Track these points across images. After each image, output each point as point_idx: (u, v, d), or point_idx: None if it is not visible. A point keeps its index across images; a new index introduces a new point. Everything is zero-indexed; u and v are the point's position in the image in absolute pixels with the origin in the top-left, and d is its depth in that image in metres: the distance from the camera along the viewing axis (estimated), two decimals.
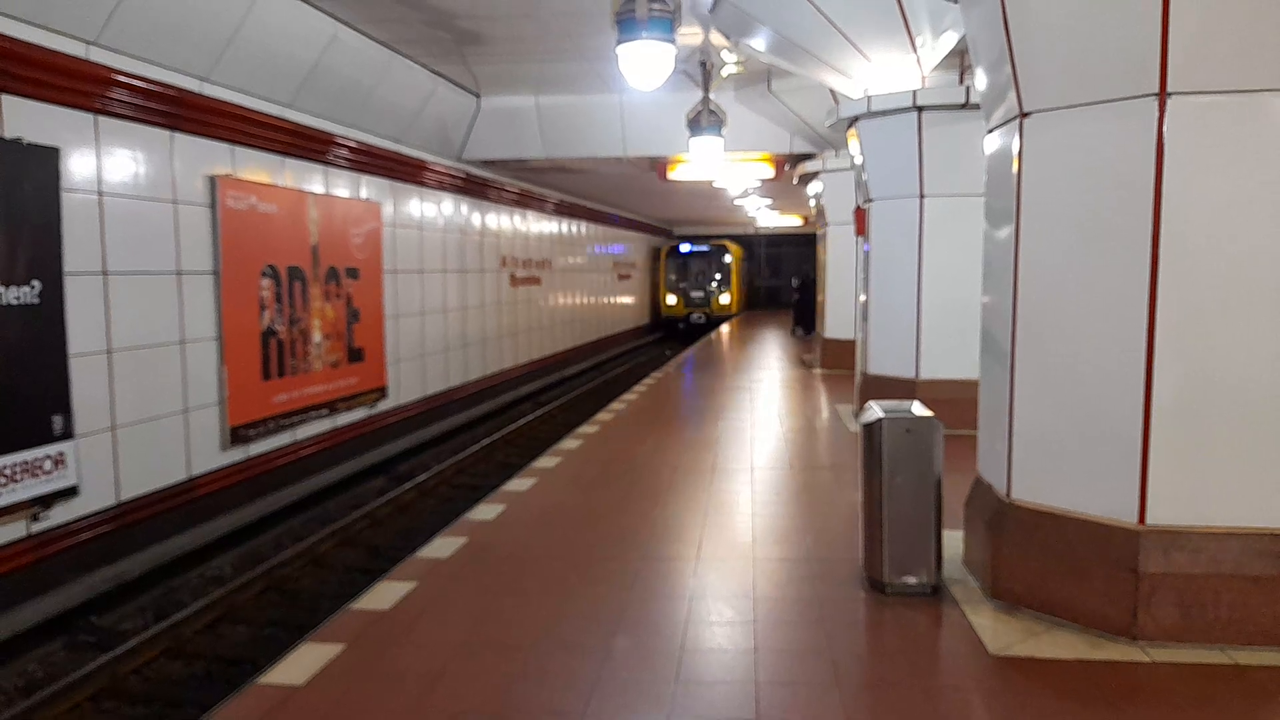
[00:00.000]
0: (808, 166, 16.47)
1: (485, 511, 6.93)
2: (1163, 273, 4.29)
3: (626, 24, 8.61)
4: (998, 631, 4.59)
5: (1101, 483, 4.55)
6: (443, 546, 6.06)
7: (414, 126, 13.83)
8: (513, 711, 3.86)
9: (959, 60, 10.52)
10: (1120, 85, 4.35)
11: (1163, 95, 4.23)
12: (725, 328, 29.38)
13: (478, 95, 15.14)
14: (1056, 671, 4.17)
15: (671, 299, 35.90)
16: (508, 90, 14.87)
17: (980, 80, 5.42)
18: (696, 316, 35.27)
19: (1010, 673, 4.18)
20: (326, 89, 11.21)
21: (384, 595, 5.17)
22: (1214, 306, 4.29)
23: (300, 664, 4.30)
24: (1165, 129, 4.24)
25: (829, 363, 16.37)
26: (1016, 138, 4.84)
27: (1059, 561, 4.65)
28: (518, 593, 5.26)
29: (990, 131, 5.40)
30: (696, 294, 35.64)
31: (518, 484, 7.83)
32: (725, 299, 35.87)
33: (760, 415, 11.50)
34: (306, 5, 9.99)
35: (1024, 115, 4.77)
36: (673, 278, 36.00)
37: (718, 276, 35.96)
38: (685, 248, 36.07)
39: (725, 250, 36.12)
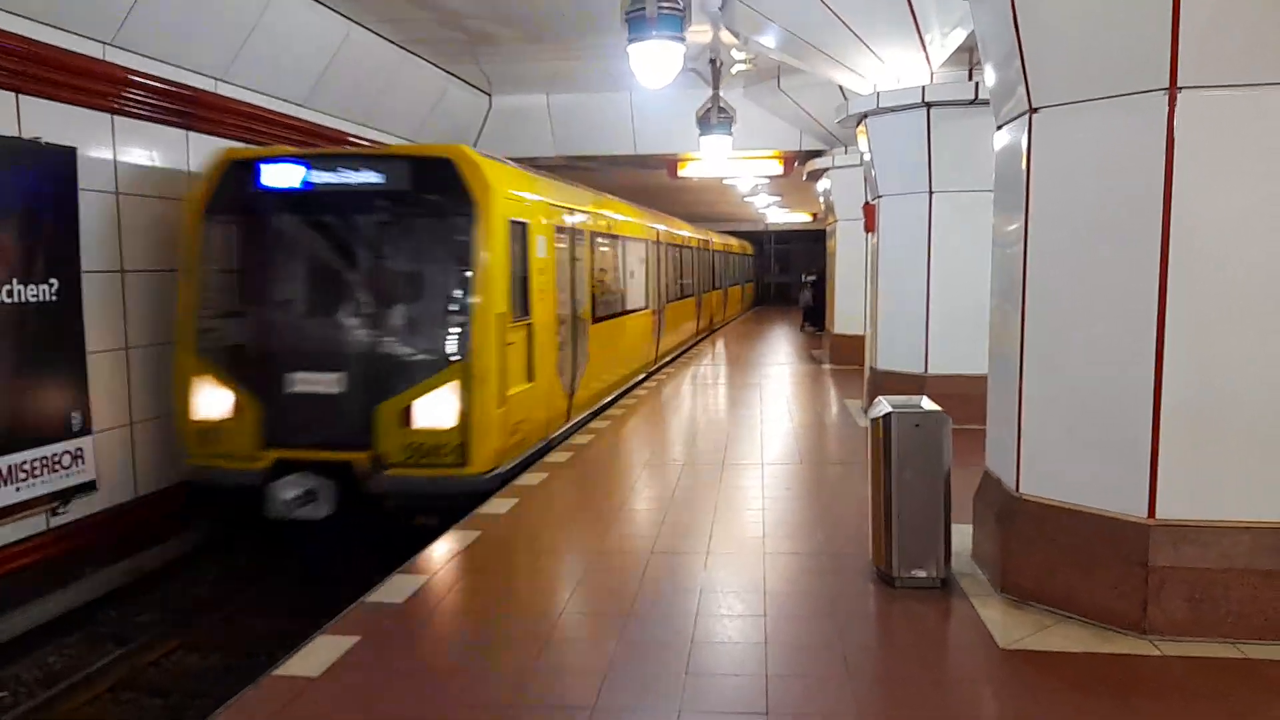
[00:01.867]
0: (817, 163, 16.49)
1: (498, 505, 6.98)
2: (1173, 267, 4.29)
3: (636, 22, 8.66)
4: (1007, 624, 4.61)
5: (1111, 477, 4.56)
6: (457, 539, 6.12)
7: (426, 125, 13.90)
8: (524, 704, 3.90)
9: (968, 56, 10.51)
10: (1130, 80, 4.35)
11: (1173, 89, 4.22)
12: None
13: (489, 94, 15.20)
14: (1066, 664, 4.19)
15: (209, 400, 7.61)
16: (519, 89, 14.93)
17: (989, 76, 5.43)
18: (297, 499, 7.24)
19: (1019, 665, 4.20)
20: (340, 88, 11.28)
21: (398, 588, 5.22)
22: (1225, 300, 4.29)
23: (315, 656, 4.35)
24: (1176, 124, 4.24)
25: (838, 358, 16.38)
26: (1026, 133, 4.85)
27: (1068, 555, 4.66)
28: (529, 586, 5.31)
29: (999, 127, 5.41)
30: (307, 385, 7.45)
31: (530, 478, 7.88)
32: (448, 412, 7.43)
33: (770, 410, 11.52)
34: (320, 5, 10.05)
35: (1033, 111, 4.78)
36: (230, 293, 8.10)
37: (430, 286, 7.93)
38: (283, 176, 7.70)
39: (452, 179, 7.58)
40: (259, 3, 9.11)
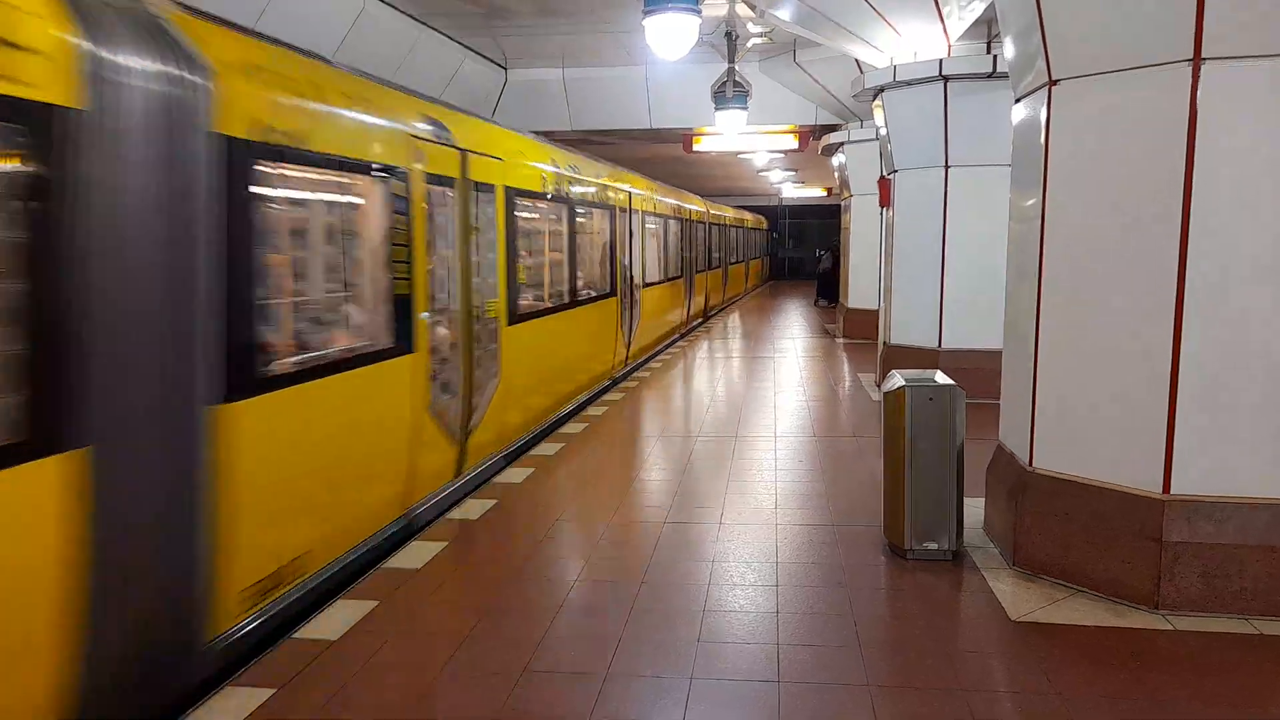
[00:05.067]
0: (832, 138, 16.40)
1: (514, 475, 7.05)
2: (1193, 240, 4.26)
3: None
4: (1018, 597, 4.64)
5: (1125, 452, 4.57)
6: (473, 508, 6.19)
7: (442, 99, 13.90)
8: (539, 670, 3.96)
9: (986, 29, 10.41)
10: (1152, 50, 4.30)
11: (1197, 60, 4.18)
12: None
13: (505, 68, 15.15)
14: (1077, 637, 4.22)
15: None
16: (535, 63, 14.88)
17: (1008, 48, 5.39)
18: None
19: (1031, 637, 4.23)
20: (355, 62, 11.25)
21: (415, 555, 5.29)
22: (1245, 276, 4.26)
23: (335, 620, 4.42)
24: (1199, 95, 4.19)
25: (851, 332, 16.39)
26: (1044, 106, 4.81)
27: (1081, 529, 4.68)
28: (543, 554, 5.37)
29: (1018, 100, 5.37)
30: None
31: (546, 448, 7.94)
32: None
33: (783, 383, 11.54)
34: None
35: (1053, 83, 4.75)
36: None
37: None
38: None
39: None
40: None
